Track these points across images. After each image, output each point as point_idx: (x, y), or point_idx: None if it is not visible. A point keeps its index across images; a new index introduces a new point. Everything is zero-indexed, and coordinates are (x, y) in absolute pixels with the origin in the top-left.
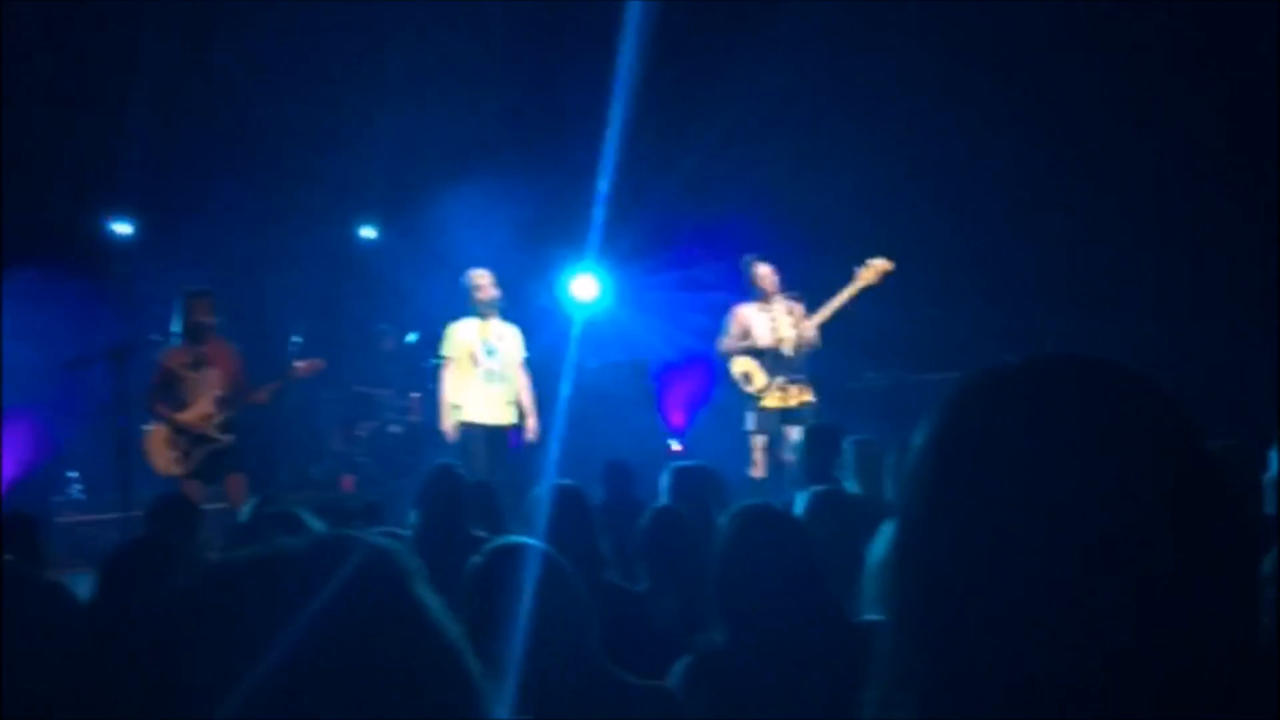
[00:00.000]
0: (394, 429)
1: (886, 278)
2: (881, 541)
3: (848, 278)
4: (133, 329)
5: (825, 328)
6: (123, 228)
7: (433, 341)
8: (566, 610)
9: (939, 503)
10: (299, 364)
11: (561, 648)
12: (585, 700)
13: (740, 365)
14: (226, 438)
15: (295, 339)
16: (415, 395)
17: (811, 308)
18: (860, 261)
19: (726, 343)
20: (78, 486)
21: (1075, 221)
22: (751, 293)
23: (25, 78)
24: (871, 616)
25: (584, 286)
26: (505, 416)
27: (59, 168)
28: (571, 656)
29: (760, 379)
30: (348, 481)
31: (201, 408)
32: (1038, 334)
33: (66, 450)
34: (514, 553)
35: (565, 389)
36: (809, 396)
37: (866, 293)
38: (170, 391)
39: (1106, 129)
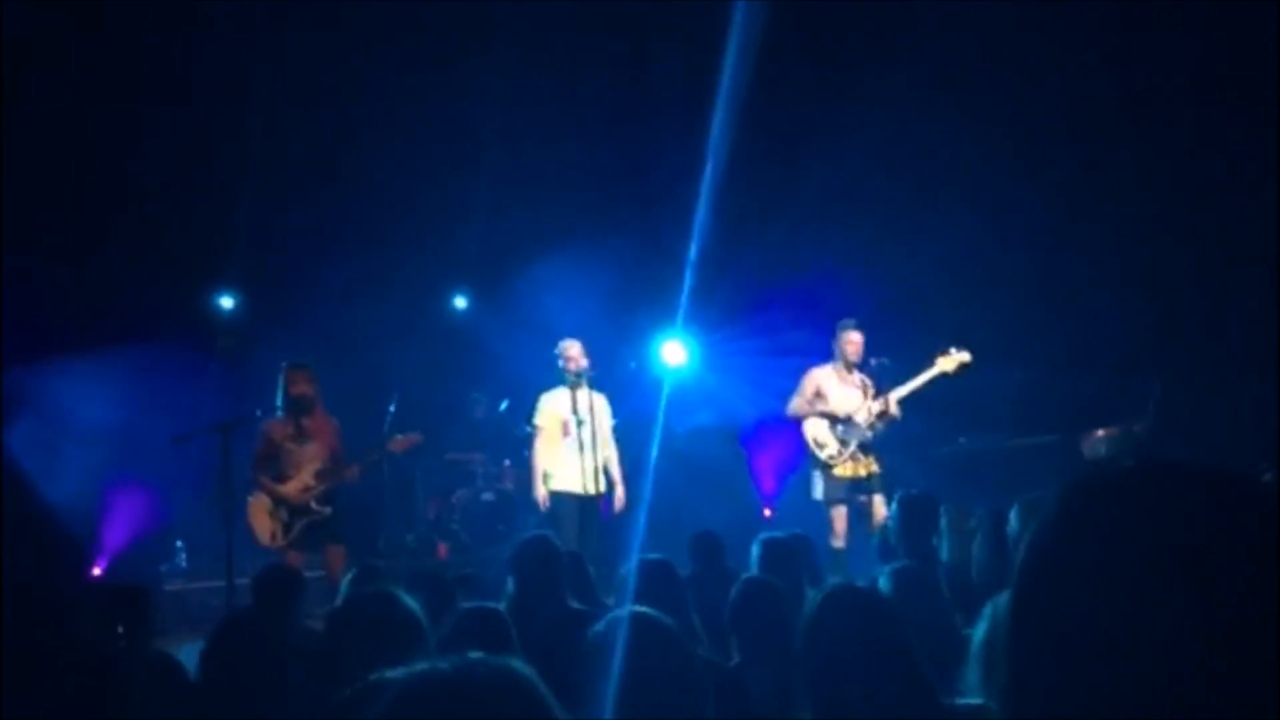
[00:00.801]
0: (487, 497)
1: (964, 370)
2: (984, 623)
3: (933, 346)
4: (238, 403)
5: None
6: (227, 302)
7: (524, 409)
8: (684, 683)
9: (1049, 600)
10: (396, 439)
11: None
12: None
13: (812, 429)
14: (326, 510)
15: (390, 408)
16: (507, 463)
17: (895, 370)
18: (941, 349)
19: (797, 403)
20: (183, 555)
21: (1164, 288)
22: (834, 356)
23: (136, 151)
24: (970, 699)
25: (673, 352)
26: (595, 486)
27: (170, 243)
28: None
29: (832, 445)
30: (442, 549)
31: (302, 480)
32: (1131, 401)
33: (173, 520)
34: (637, 622)
35: (654, 455)
36: (876, 468)
37: (945, 378)
38: (272, 463)
39: (1185, 178)
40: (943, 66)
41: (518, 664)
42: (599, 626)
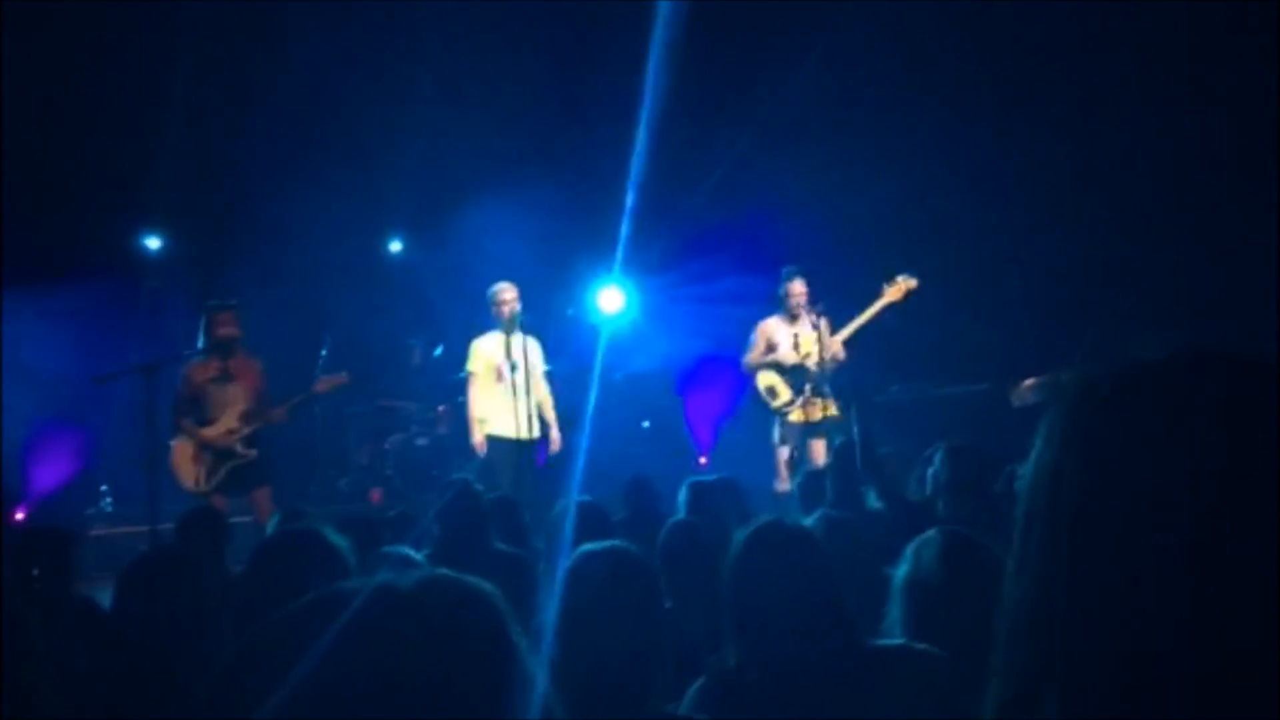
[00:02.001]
0: (421, 442)
1: (911, 296)
2: (907, 561)
3: (875, 289)
4: (163, 344)
5: (851, 341)
6: (153, 242)
7: (459, 355)
8: (648, 616)
9: (1088, 500)
10: (322, 380)
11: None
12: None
13: (765, 379)
14: (251, 453)
15: (322, 352)
16: (442, 408)
17: (839, 319)
18: (887, 277)
19: (751, 357)
20: (108, 500)
21: (1104, 233)
22: (780, 306)
23: (60, 92)
24: (890, 640)
25: (610, 299)
26: (529, 430)
27: (92, 182)
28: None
29: (785, 393)
30: (375, 494)
31: (226, 423)
32: (1064, 347)
33: (98, 464)
34: (611, 557)
35: (591, 402)
36: (834, 410)
37: (892, 307)
38: (195, 406)
39: (1138, 136)
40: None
41: (481, 581)
42: (570, 562)
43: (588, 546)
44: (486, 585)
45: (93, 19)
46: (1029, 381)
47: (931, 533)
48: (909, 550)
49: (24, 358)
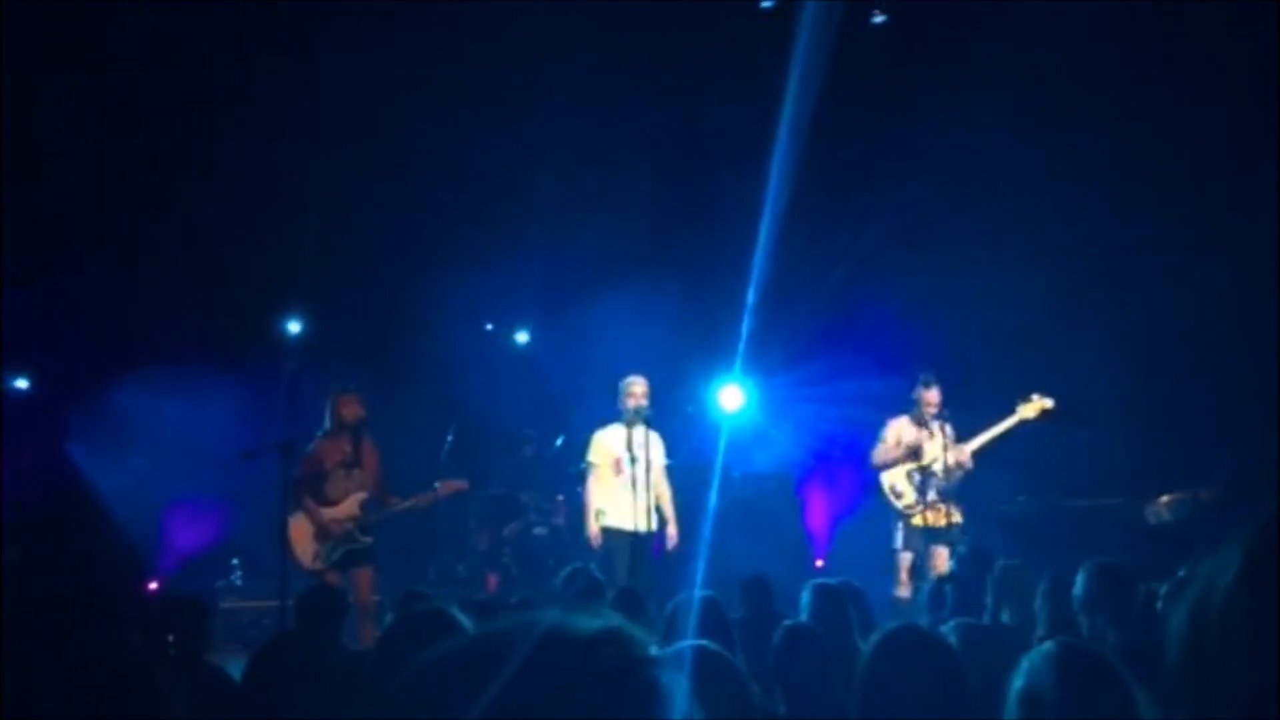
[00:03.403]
0: (539, 531)
1: (1046, 416)
2: (1021, 673)
3: (1003, 399)
4: (300, 424)
5: (979, 451)
6: (294, 326)
7: (579, 446)
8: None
9: (1251, 648)
10: (443, 484)
11: None
12: None
13: (890, 479)
14: (367, 540)
15: (448, 438)
16: (560, 499)
17: (961, 426)
18: (1022, 395)
19: (882, 451)
20: (239, 573)
21: (1244, 351)
22: (911, 408)
23: (208, 180)
24: None
25: (730, 396)
26: (647, 523)
27: (243, 267)
28: None
29: (910, 495)
30: (492, 581)
31: (348, 508)
32: (1198, 465)
33: (232, 538)
34: (700, 655)
35: (713, 499)
36: (958, 518)
37: (1025, 424)
38: (318, 485)
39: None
40: (1021, 93)
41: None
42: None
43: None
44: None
45: (238, 111)
46: (1165, 499)
47: (1048, 644)
48: (1024, 660)
49: (166, 433)
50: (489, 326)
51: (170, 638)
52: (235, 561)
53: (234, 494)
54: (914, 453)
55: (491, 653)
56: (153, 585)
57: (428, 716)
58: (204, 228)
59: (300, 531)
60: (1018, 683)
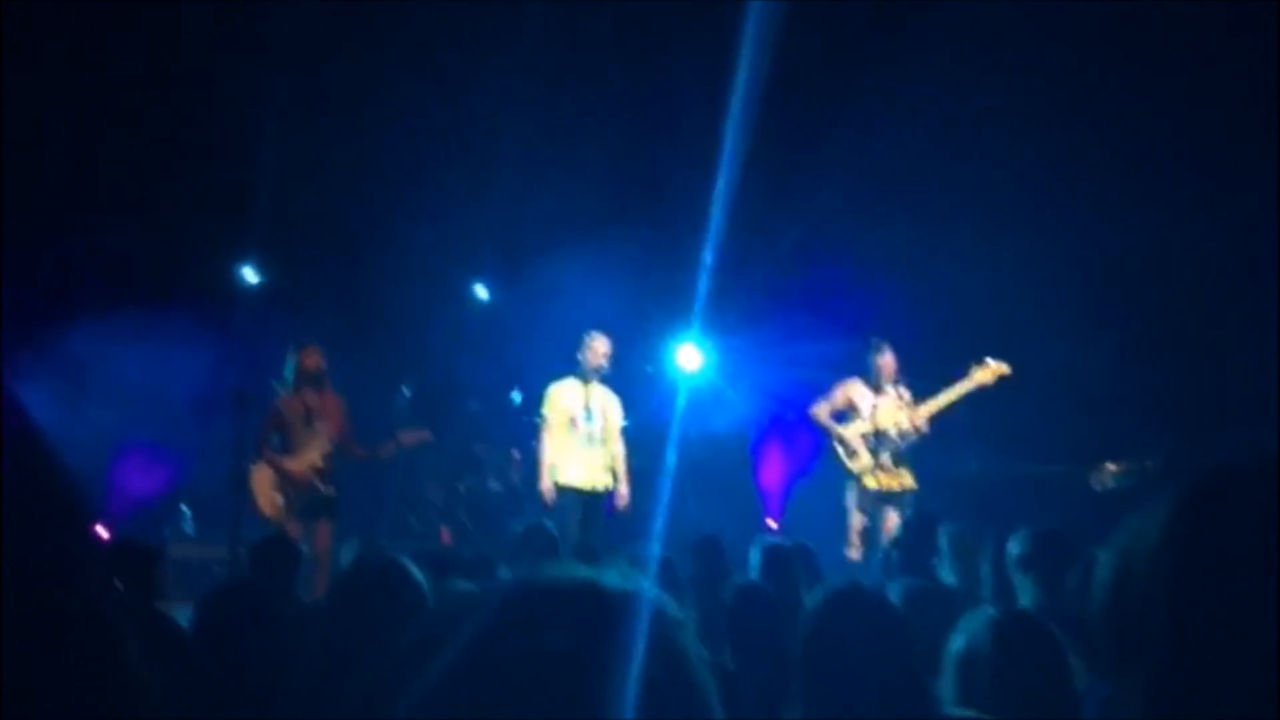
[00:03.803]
0: (494, 486)
1: (1001, 380)
2: (961, 635)
3: (957, 365)
4: (252, 374)
5: (935, 415)
6: (250, 274)
7: (534, 402)
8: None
9: (1176, 603)
10: (407, 433)
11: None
12: None
13: (843, 443)
14: (329, 489)
15: (404, 390)
16: (515, 453)
17: (918, 389)
18: (977, 358)
19: (822, 407)
20: (189, 521)
21: (1198, 323)
22: (868, 373)
23: (169, 122)
24: (956, 713)
25: (688, 356)
26: (601, 481)
27: (196, 213)
28: None
29: (864, 457)
30: (445, 534)
31: (310, 458)
32: (1149, 435)
33: (181, 486)
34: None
35: (670, 459)
36: (910, 482)
37: (981, 389)
38: (281, 436)
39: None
40: (980, 52)
41: (662, 595)
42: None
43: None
44: (664, 598)
45: (200, 53)
46: (1111, 466)
47: (987, 608)
48: (962, 624)
49: (117, 378)
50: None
51: (119, 584)
52: (185, 509)
53: (186, 442)
54: (857, 427)
55: (522, 616)
56: (101, 531)
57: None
58: (162, 172)
59: (262, 480)
60: (956, 645)
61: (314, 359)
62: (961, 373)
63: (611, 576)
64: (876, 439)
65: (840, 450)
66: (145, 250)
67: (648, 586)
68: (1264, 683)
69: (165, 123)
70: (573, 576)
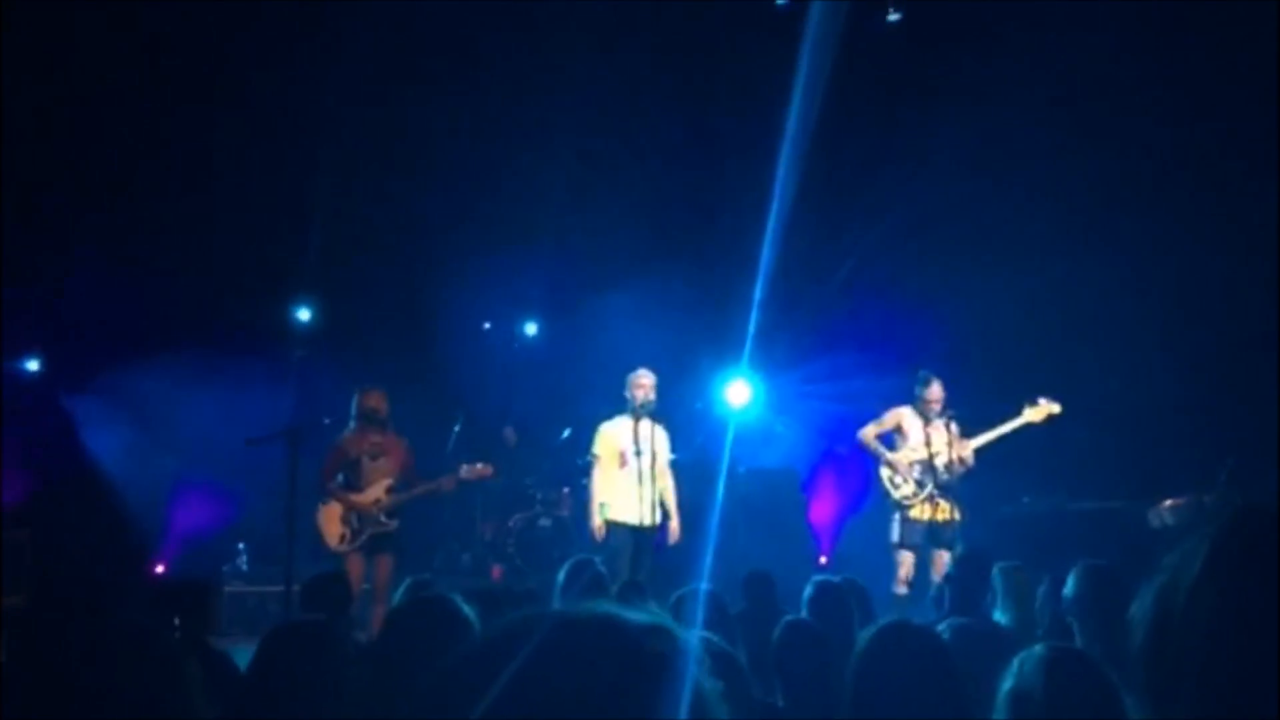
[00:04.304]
0: (544, 523)
1: (1052, 420)
2: (1011, 674)
3: (1007, 394)
4: (308, 411)
5: (982, 449)
6: (304, 314)
7: (586, 439)
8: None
9: (1212, 641)
10: (468, 467)
11: None
12: None
13: (888, 469)
14: (392, 524)
15: (455, 429)
16: (566, 490)
17: (967, 423)
18: (1026, 387)
19: (870, 429)
20: (244, 558)
21: (1254, 357)
22: (915, 404)
23: (223, 166)
24: None
25: (737, 392)
26: (651, 517)
27: (253, 257)
28: None
29: (909, 487)
30: (496, 571)
31: (374, 493)
32: (1206, 471)
33: (238, 523)
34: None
35: (719, 494)
36: (956, 514)
37: (1030, 427)
38: (345, 474)
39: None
40: (1029, 91)
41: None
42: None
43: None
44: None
45: (254, 97)
46: (1168, 502)
47: (1039, 647)
48: (1014, 662)
49: (176, 418)
50: (486, 325)
51: (176, 620)
52: (241, 546)
53: (241, 480)
54: (906, 456)
55: (513, 641)
56: (159, 568)
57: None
58: (217, 215)
59: (329, 515)
60: (1007, 684)
61: (376, 400)
62: (1013, 410)
63: (636, 613)
64: (924, 468)
65: (886, 478)
66: (204, 293)
67: (671, 622)
68: None
69: (225, 166)
70: (594, 611)
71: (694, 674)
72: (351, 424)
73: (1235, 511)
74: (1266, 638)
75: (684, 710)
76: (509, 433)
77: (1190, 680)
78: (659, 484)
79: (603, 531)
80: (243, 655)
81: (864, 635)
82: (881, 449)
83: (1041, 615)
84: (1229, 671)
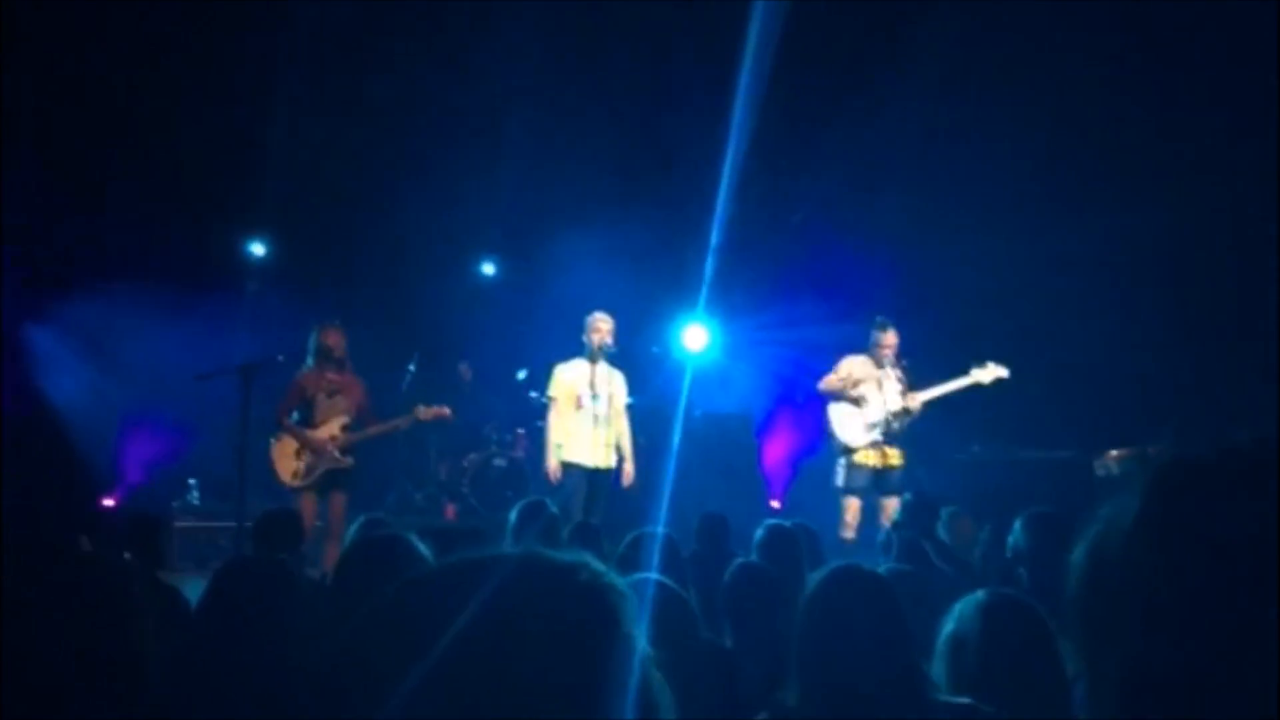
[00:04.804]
0: (499, 463)
1: (998, 383)
2: (951, 619)
3: (959, 346)
4: (262, 347)
5: (929, 404)
6: (258, 248)
7: (542, 379)
8: (690, 656)
9: (1145, 590)
10: (425, 408)
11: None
12: None
13: (838, 416)
14: (346, 460)
15: (410, 368)
16: (521, 432)
17: (918, 373)
18: (979, 339)
19: (829, 380)
20: (195, 493)
21: (1201, 311)
22: (869, 351)
23: (177, 100)
24: (958, 699)
25: (694, 337)
26: (606, 459)
27: (205, 187)
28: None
29: (855, 433)
30: (450, 510)
31: (329, 430)
32: (1153, 422)
33: (188, 459)
34: (659, 590)
35: (675, 438)
36: (900, 460)
37: (977, 387)
38: (301, 410)
39: (1241, 215)
40: (984, 39)
41: (613, 576)
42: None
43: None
44: (616, 578)
45: (210, 30)
46: (1114, 453)
47: (979, 593)
48: (955, 608)
49: (128, 353)
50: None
51: (127, 554)
52: (192, 482)
53: (193, 415)
54: (855, 400)
55: (461, 580)
56: (108, 503)
57: (391, 647)
58: (172, 147)
59: (283, 450)
60: (947, 628)
61: (334, 337)
62: (963, 360)
63: (563, 554)
64: (871, 415)
65: (834, 422)
66: (157, 226)
67: (598, 563)
68: (1234, 666)
69: (178, 99)
70: (522, 552)
71: (625, 617)
72: (309, 361)
73: (1167, 462)
74: (1195, 587)
75: (615, 652)
76: (464, 368)
77: (1121, 630)
78: (614, 427)
79: (558, 473)
80: (194, 590)
81: (813, 578)
82: (845, 388)
83: (988, 562)
84: (1158, 621)
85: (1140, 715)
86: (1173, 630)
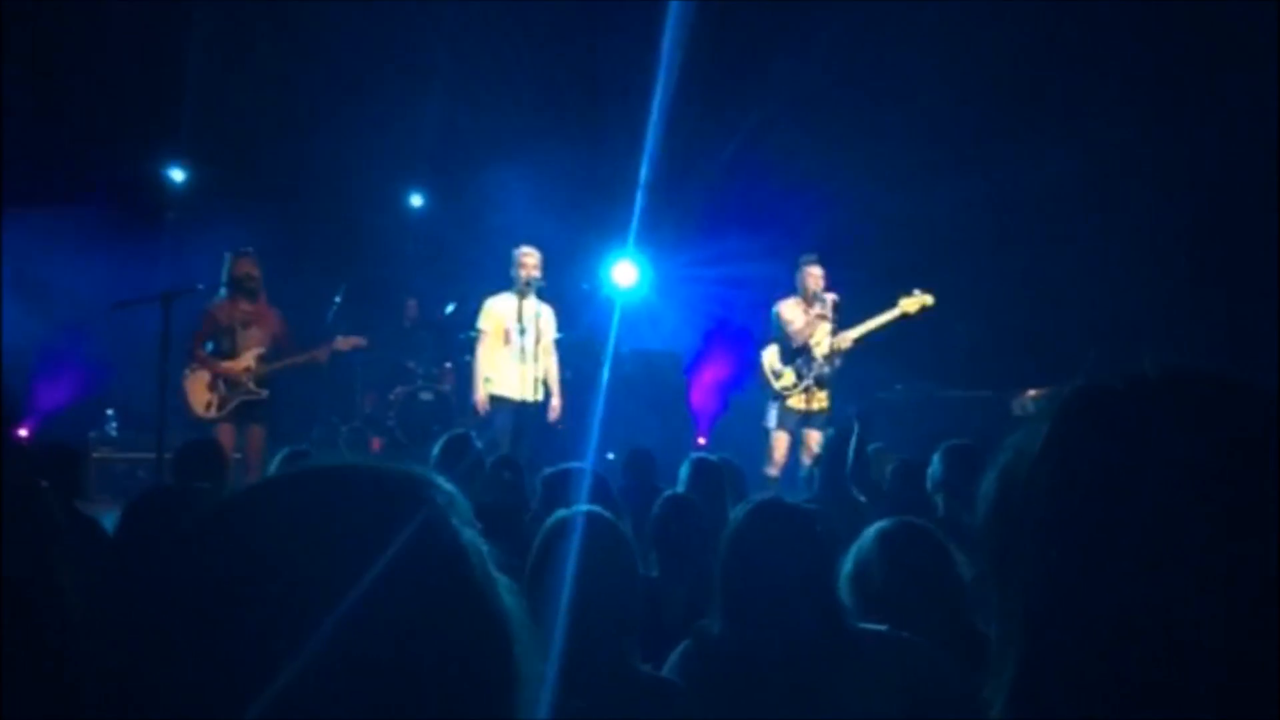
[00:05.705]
0: (425, 397)
1: (924, 311)
2: (851, 554)
3: (887, 284)
4: (181, 276)
5: (860, 339)
6: (178, 174)
7: (470, 313)
8: (627, 584)
9: (1049, 515)
10: (342, 339)
11: (606, 623)
12: (607, 688)
13: (770, 360)
14: (262, 392)
15: (336, 299)
16: (448, 365)
17: (848, 310)
18: (904, 289)
19: (793, 336)
20: (113, 424)
21: (1122, 250)
22: (797, 289)
23: (92, 21)
24: (874, 625)
25: (624, 272)
26: (534, 393)
27: (122, 109)
28: (612, 636)
29: (789, 377)
30: (376, 443)
31: (244, 361)
32: (1071, 361)
33: (105, 388)
34: (593, 521)
35: (604, 374)
36: (826, 403)
37: (905, 318)
38: (215, 341)
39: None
40: None
41: (452, 489)
42: (559, 516)
43: (563, 511)
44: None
45: None
46: (1031, 392)
47: (875, 525)
48: (855, 543)
49: (36, 274)
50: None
51: (42, 484)
52: (110, 412)
53: (110, 345)
54: (791, 348)
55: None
56: (23, 432)
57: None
58: (88, 68)
59: (196, 382)
60: (848, 565)
61: (248, 266)
62: (889, 302)
63: (391, 465)
64: (804, 359)
65: (767, 368)
66: (73, 151)
67: (425, 470)
68: (1134, 583)
69: (95, 19)
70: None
71: (452, 519)
72: (222, 291)
73: (1075, 389)
74: (1098, 509)
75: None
76: (411, 305)
77: (1026, 551)
78: (542, 362)
79: (486, 405)
80: (111, 521)
81: (736, 511)
82: (799, 341)
83: (890, 494)
84: (1061, 542)
85: (1042, 633)
86: (1075, 551)
